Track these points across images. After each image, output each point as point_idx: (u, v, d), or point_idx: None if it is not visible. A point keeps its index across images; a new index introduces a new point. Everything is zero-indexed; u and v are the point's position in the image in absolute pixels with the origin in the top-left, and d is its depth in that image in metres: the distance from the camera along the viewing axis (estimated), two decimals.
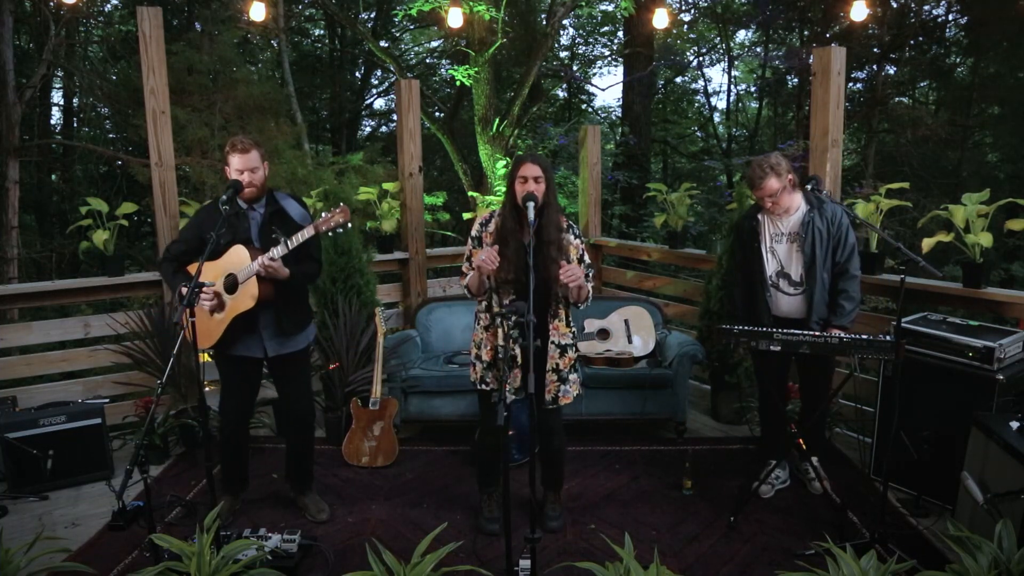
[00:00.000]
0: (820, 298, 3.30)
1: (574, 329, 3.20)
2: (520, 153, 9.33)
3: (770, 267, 3.37)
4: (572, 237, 3.05)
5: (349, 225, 2.98)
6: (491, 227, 3.06)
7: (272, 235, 3.06)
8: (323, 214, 2.98)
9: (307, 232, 2.97)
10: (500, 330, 3.01)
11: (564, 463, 3.36)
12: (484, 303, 3.09)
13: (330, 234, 3.03)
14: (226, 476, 3.40)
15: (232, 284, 3.06)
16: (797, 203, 3.31)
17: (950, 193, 9.82)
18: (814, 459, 3.53)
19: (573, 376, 3.14)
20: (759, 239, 3.37)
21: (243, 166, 3.05)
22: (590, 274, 3.07)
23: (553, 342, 3.07)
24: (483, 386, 3.12)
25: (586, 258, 3.09)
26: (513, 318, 2.85)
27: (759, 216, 3.40)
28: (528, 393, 2.44)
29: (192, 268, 3.13)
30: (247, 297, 3.03)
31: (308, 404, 3.43)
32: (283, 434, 3.44)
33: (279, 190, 3.29)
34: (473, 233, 3.12)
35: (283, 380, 3.35)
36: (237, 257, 3.04)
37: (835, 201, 3.44)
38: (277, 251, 2.95)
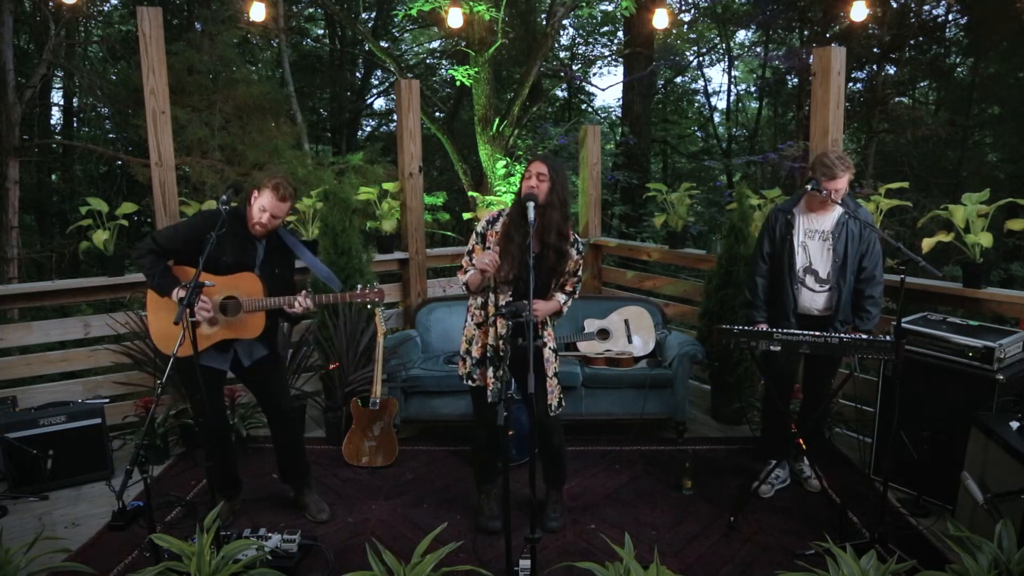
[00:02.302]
0: (847, 299, 3.36)
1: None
2: (520, 153, 9.38)
3: (799, 261, 3.41)
4: (574, 252, 3.06)
5: (382, 305, 3.16)
6: (498, 226, 3.05)
7: (304, 291, 3.07)
8: (359, 287, 3.14)
9: (338, 298, 3.11)
10: (492, 329, 3.02)
11: (565, 461, 3.37)
12: (480, 300, 3.09)
13: (366, 305, 3.17)
14: (219, 483, 3.34)
15: (230, 306, 3.04)
16: (834, 205, 3.34)
17: (950, 193, 9.82)
18: (806, 459, 3.54)
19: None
20: (792, 232, 3.40)
21: (272, 210, 3.01)
22: (576, 290, 3.14)
23: (551, 348, 3.12)
24: (470, 382, 3.14)
25: (580, 272, 3.13)
26: (512, 318, 2.87)
27: (794, 211, 3.44)
28: (528, 393, 2.44)
29: (180, 269, 3.07)
30: (250, 328, 3.07)
31: (290, 398, 3.46)
32: (273, 435, 3.42)
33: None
34: (478, 229, 3.11)
35: (261, 383, 3.32)
36: (247, 285, 3.03)
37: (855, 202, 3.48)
38: (307, 301, 3.00)
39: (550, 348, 3.12)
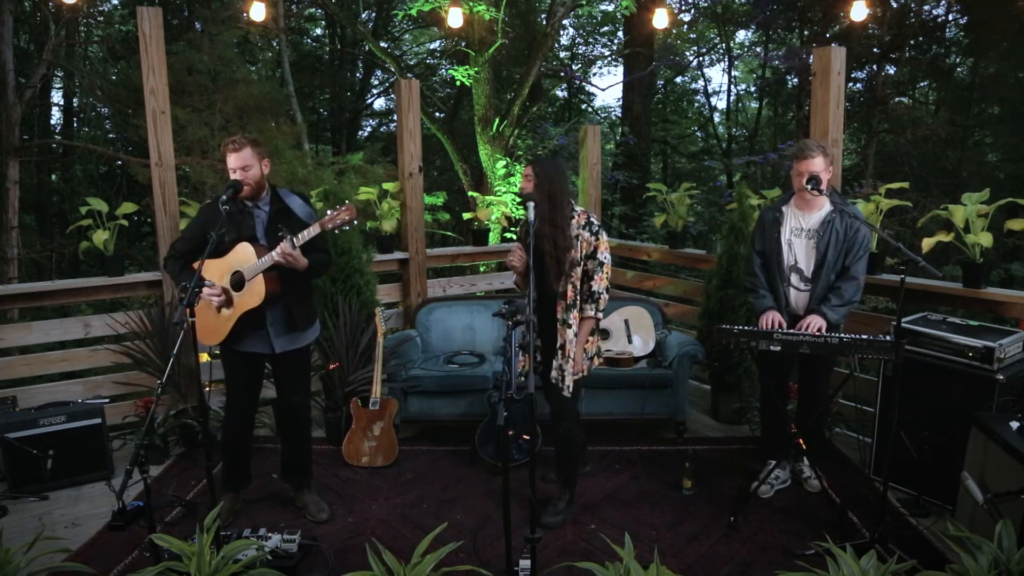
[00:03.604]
0: (823, 298, 3.33)
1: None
2: (520, 153, 9.39)
3: (785, 259, 3.41)
4: (588, 233, 3.08)
5: (355, 222, 3.02)
6: None
7: (279, 233, 3.03)
8: (328, 212, 3.01)
9: (313, 230, 3.00)
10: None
11: (575, 455, 3.36)
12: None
13: (336, 232, 3.07)
14: (229, 474, 3.40)
15: (239, 281, 3.07)
16: (823, 203, 3.34)
17: (950, 193, 9.82)
18: (805, 459, 3.54)
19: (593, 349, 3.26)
20: (780, 229, 3.40)
21: (236, 164, 3.06)
22: (598, 275, 3.10)
23: (574, 331, 3.13)
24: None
25: (599, 255, 3.10)
26: (513, 317, 2.90)
27: (783, 208, 3.44)
28: (528, 393, 2.45)
29: (193, 267, 3.13)
30: (254, 295, 3.05)
31: (306, 396, 3.46)
32: (280, 429, 3.44)
33: (282, 187, 3.29)
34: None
35: (284, 375, 3.34)
36: (243, 254, 3.05)
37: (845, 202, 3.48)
38: (287, 245, 2.95)
39: (573, 332, 3.12)
